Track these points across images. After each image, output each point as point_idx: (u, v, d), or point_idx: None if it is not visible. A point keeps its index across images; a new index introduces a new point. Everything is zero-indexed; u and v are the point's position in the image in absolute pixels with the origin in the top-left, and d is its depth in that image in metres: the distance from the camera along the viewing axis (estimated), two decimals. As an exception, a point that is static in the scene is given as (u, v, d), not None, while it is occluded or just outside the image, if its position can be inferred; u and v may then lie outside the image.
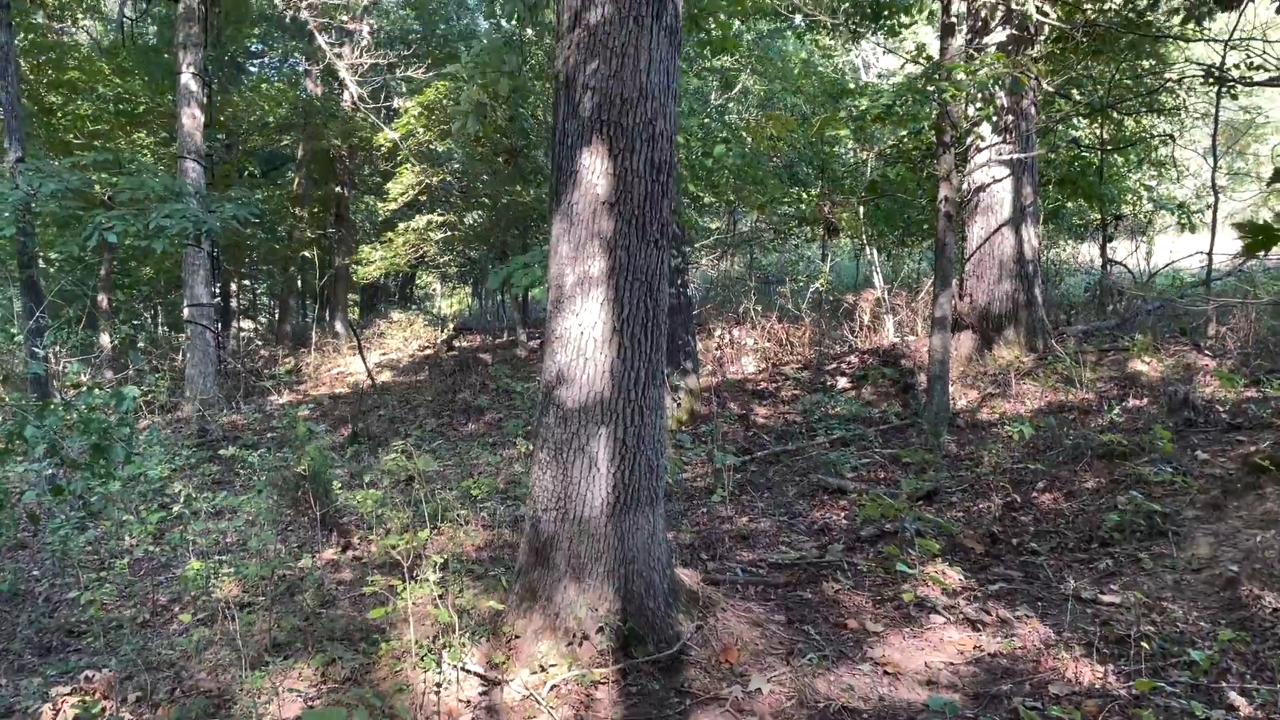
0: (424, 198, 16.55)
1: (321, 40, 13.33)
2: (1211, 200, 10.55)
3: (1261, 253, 2.75)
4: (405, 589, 4.40)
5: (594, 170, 4.32)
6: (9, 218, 7.94)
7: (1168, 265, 11.56)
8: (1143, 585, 4.65)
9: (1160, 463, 5.96)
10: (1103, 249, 11.50)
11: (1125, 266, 12.05)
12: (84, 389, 6.46)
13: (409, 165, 15.34)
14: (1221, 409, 6.87)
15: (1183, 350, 8.77)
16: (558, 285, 4.42)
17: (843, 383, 10.35)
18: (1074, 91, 10.68)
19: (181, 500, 6.35)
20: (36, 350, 7.79)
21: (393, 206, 15.97)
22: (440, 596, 4.62)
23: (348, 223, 20.52)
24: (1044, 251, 12.17)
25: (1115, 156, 11.88)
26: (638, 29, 4.33)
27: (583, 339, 4.33)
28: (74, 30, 16.46)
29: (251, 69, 21.99)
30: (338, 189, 20.08)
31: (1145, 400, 7.69)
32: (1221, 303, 8.87)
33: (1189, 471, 5.75)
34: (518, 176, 15.60)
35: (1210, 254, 9.59)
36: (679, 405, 9.53)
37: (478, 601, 4.68)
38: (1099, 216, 11.79)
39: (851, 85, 17.71)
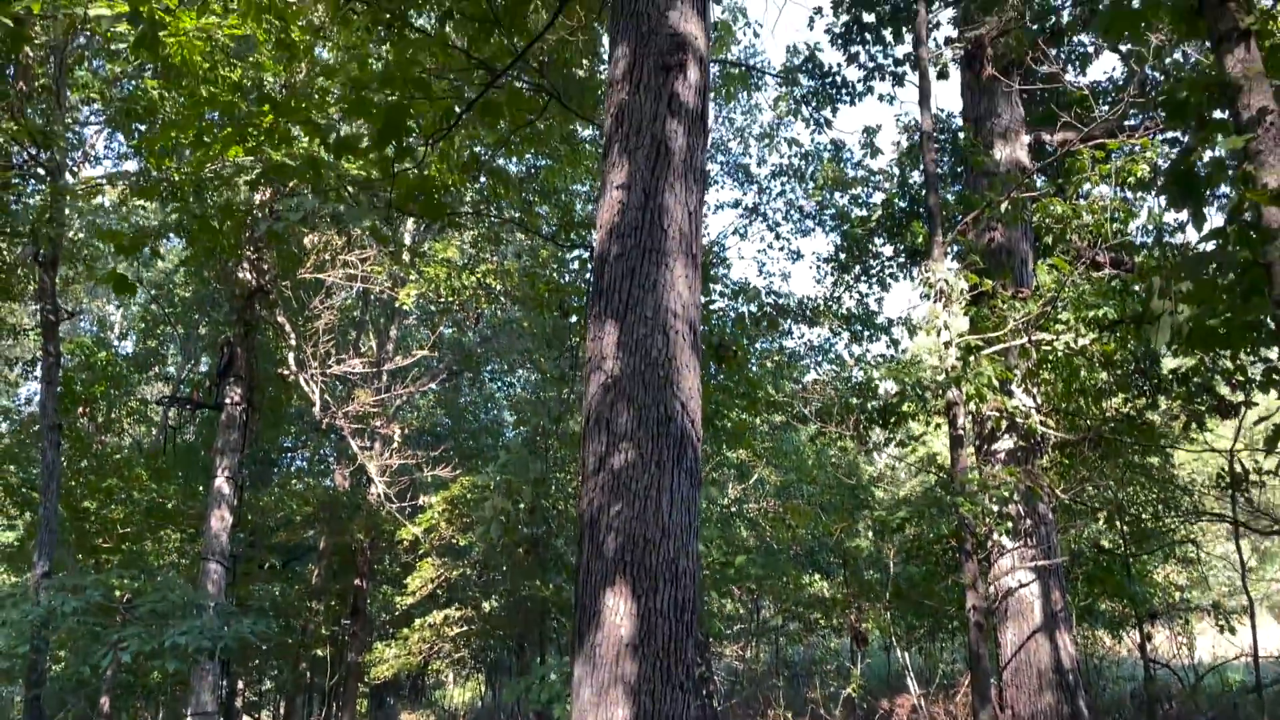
0: (441, 591, 16.45)
1: (354, 445, 13.93)
2: (1246, 595, 10.32)
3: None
4: None
5: (617, 611, 4.28)
6: (25, 635, 7.89)
7: (1213, 668, 11.07)
8: None
9: None
10: (1142, 650, 11.10)
11: (1169, 668, 11.55)
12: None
13: (430, 559, 15.43)
14: None
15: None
16: (579, 734, 4.22)
17: (884, 805, 9.54)
18: (1088, 489, 10.85)
19: None
20: (24, 784, 7.37)
21: (410, 601, 15.82)
22: None
23: (363, 616, 20.20)
24: (1082, 650, 11.75)
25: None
26: (659, 472, 4.50)
27: (605, 798, 4.06)
28: (119, 437, 17.33)
29: (282, 461, 22.84)
30: (356, 581, 20.00)
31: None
32: None
33: None
34: (538, 568, 15.60)
35: (1256, 659, 9.21)
36: (707, 835, 8.73)
37: None
38: (1133, 613, 11.51)
39: (868, 473, 18.15)
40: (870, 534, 13.53)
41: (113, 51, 11.08)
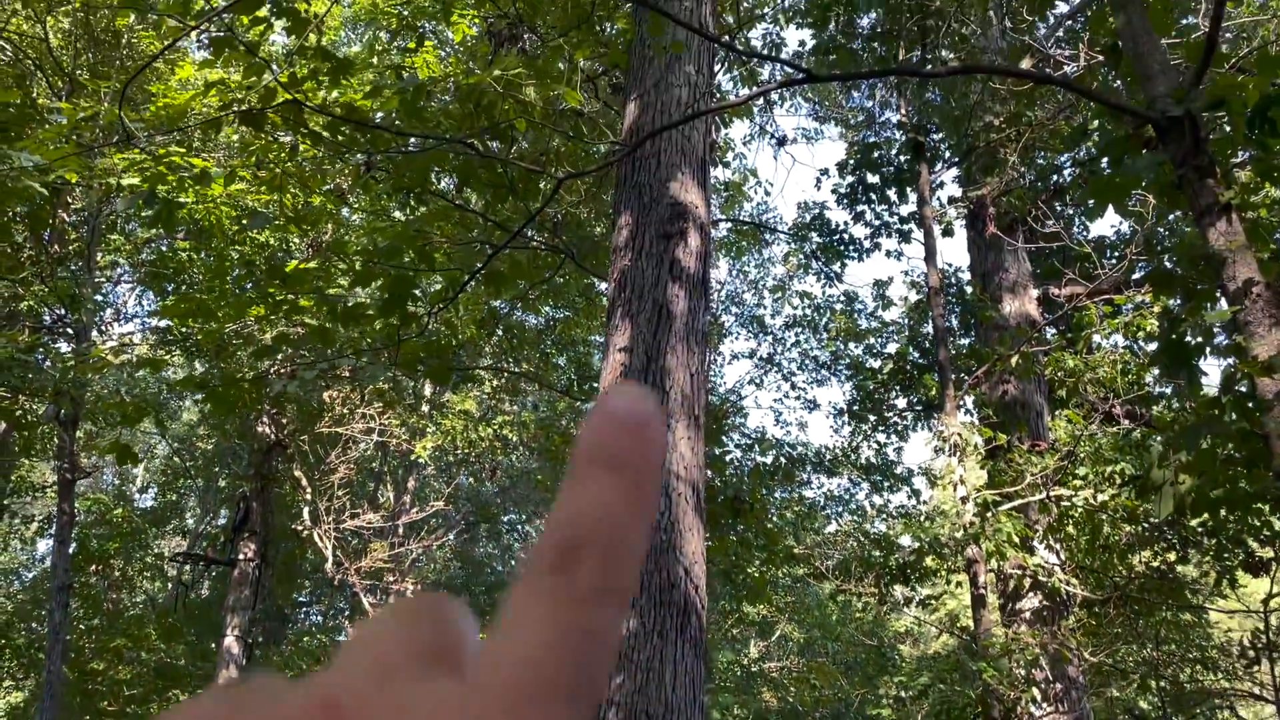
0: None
1: (366, 602, 13.72)
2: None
3: None
4: None
5: (619, 797, 4.09)
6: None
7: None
8: None
9: None
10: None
11: None
12: None
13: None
14: None
15: None
16: None
17: None
18: (1120, 649, 10.43)
19: None
20: None
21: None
22: None
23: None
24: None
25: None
26: (662, 643, 4.37)
27: None
28: (132, 594, 17.16)
29: (296, 617, 22.45)
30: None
31: None
32: None
33: None
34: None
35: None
36: None
37: None
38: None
39: (895, 627, 17.58)
40: (894, 698, 12.99)
41: (145, 217, 11.55)
